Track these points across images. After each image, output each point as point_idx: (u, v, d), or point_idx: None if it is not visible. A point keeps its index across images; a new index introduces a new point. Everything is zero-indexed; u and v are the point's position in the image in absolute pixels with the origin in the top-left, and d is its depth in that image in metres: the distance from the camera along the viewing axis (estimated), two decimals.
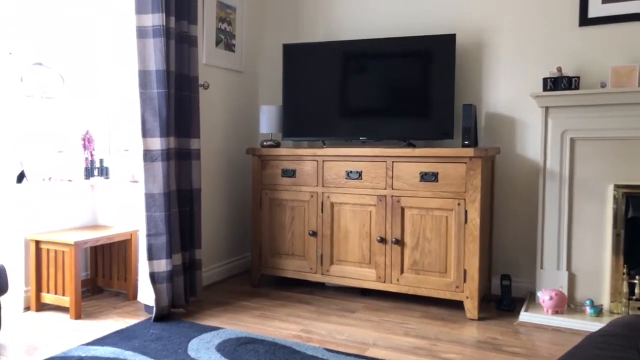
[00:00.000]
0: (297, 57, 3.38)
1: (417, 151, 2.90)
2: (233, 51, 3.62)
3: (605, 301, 2.78)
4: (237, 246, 3.74)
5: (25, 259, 2.89)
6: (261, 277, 3.37)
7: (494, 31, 3.20)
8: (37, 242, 2.86)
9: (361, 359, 2.28)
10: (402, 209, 2.95)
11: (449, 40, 3.05)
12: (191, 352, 2.33)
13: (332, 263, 3.14)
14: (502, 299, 2.97)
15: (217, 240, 3.53)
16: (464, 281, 2.81)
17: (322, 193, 3.14)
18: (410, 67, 3.15)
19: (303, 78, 3.37)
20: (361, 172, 3.04)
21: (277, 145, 3.41)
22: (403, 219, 2.95)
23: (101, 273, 3.21)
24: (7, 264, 2.82)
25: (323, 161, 3.14)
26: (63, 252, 2.79)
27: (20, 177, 3.00)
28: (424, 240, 2.91)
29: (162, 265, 2.74)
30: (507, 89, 3.19)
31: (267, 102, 3.85)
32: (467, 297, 2.81)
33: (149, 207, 2.75)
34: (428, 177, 2.88)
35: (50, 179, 3.12)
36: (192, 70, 2.96)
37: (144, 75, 2.75)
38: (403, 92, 3.17)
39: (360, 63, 3.26)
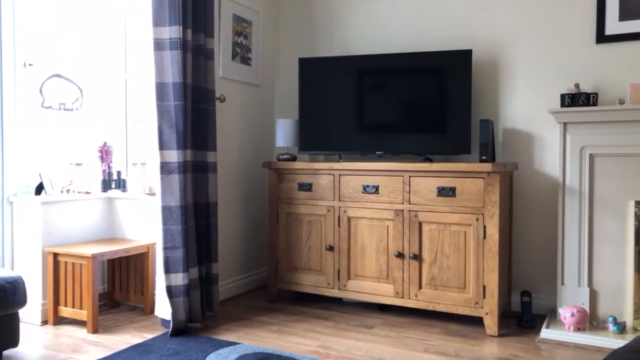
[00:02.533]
0: (313, 71, 3.39)
1: (435, 166, 2.88)
2: (249, 65, 3.64)
3: (628, 318, 2.73)
4: (253, 261, 3.72)
5: (43, 271, 2.89)
6: (278, 292, 3.35)
7: (511, 47, 3.20)
8: (55, 255, 2.86)
9: None
10: (420, 224, 2.93)
11: (465, 55, 3.05)
12: None
13: (349, 278, 3.12)
14: (523, 315, 2.93)
15: (234, 255, 3.52)
16: (484, 297, 2.77)
17: (339, 207, 3.13)
18: (426, 82, 3.15)
19: (319, 92, 3.38)
20: (378, 186, 3.03)
21: (294, 159, 3.41)
22: (421, 234, 2.93)
23: (118, 286, 3.21)
24: (25, 277, 2.82)
25: (340, 175, 3.13)
26: (81, 264, 2.79)
27: (39, 189, 3.01)
28: (442, 256, 2.88)
29: (179, 279, 2.73)
30: (524, 104, 3.18)
31: (283, 115, 3.86)
32: (487, 314, 2.77)
33: (165, 220, 2.75)
34: (446, 192, 2.86)
35: (68, 191, 3.13)
36: (209, 83, 2.98)
37: (161, 88, 2.77)
38: (419, 107, 3.16)
39: (376, 78, 3.27)
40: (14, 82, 2.94)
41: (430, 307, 2.91)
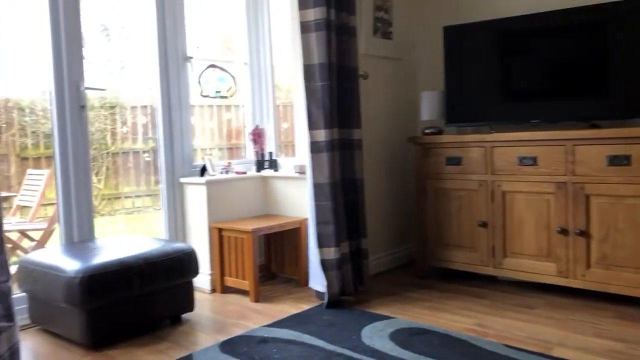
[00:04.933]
0: (459, 38, 3.23)
1: (604, 132, 2.59)
2: (390, 39, 3.58)
3: None
4: (399, 237, 3.70)
5: (210, 244, 3.16)
6: (427, 269, 3.29)
7: None
8: (220, 230, 3.11)
9: (547, 359, 2.10)
10: (587, 197, 2.66)
11: (636, 6, 2.67)
12: (365, 339, 2.35)
13: (505, 256, 2.95)
14: None
15: (380, 231, 3.53)
16: None
17: (492, 181, 2.97)
18: (587, 39, 2.82)
19: (466, 60, 3.21)
20: (536, 157, 2.81)
21: (440, 132, 3.30)
22: (588, 208, 2.66)
23: (274, 259, 3.41)
24: (196, 249, 3.11)
25: (492, 147, 2.96)
26: (242, 239, 3.00)
27: (203, 171, 3.29)
28: (615, 232, 2.59)
29: (332, 253, 2.80)
30: None
31: (426, 88, 3.75)
32: None
33: (317, 197, 2.83)
34: (618, 161, 2.56)
35: (227, 172, 3.38)
36: (352, 60, 2.98)
37: (308, 69, 2.83)
38: (578, 68, 2.85)
39: (527, 40, 3.01)
40: (177, 75, 3.23)
41: (600, 289, 2.65)
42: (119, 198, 6.55)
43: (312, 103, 2.83)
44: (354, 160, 2.99)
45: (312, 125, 2.84)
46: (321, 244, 2.82)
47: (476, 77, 3.18)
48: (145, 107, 6.69)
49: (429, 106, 3.35)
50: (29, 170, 5.06)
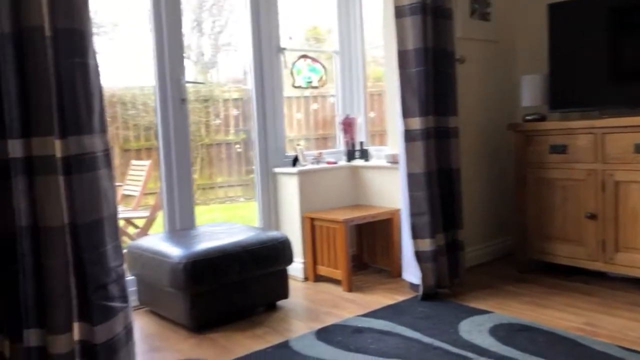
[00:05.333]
0: (565, 16, 3.01)
1: None
2: (488, 20, 3.41)
3: None
4: (496, 229, 3.55)
5: (302, 233, 3.20)
6: (528, 262, 3.13)
7: None
8: (312, 219, 3.14)
9: None
10: None
11: None
12: (463, 334, 2.27)
13: (617, 250, 2.73)
14: None
15: (477, 222, 3.40)
16: None
17: (603, 170, 2.75)
18: None
19: (573, 40, 2.99)
20: None
21: (543, 118, 3.10)
22: None
23: (366, 250, 3.39)
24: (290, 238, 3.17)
25: (603, 134, 2.74)
26: (334, 229, 3.00)
27: (295, 161, 3.33)
28: None
29: (427, 245, 2.73)
30: None
31: (526, 71, 3.54)
32: None
33: (411, 187, 2.77)
34: None
35: (318, 162, 3.39)
36: (449, 44, 2.87)
37: (403, 55, 2.77)
38: None
39: None
40: (270, 66, 3.28)
41: None
42: (212, 188, 6.85)
43: (406, 90, 2.77)
44: (450, 149, 2.89)
45: (406, 113, 2.77)
46: (415, 235, 2.76)
47: (584, 58, 2.95)
48: (236, 99, 6.92)
49: (530, 91, 3.16)
50: (133, 161, 5.41)
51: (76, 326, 1.75)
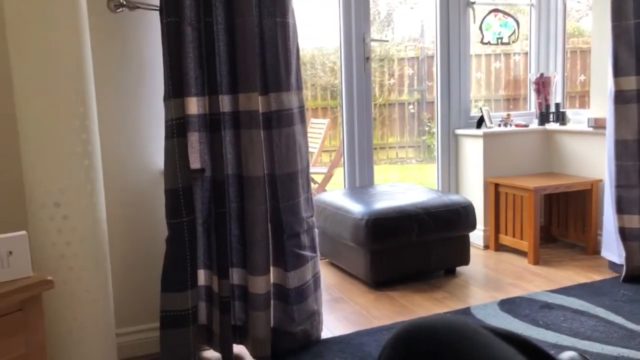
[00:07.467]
0: None
1: None
2: None
3: None
4: None
5: (484, 200, 3.04)
6: None
7: None
8: (496, 185, 2.96)
9: None
10: None
11: None
12: None
13: None
14: None
15: None
16: None
17: None
18: None
19: None
20: None
21: None
22: None
23: (556, 222, 3.11)
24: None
25: None
26: (522, 197, 2.79)
27: (480, 123, 3.15)
28: None
29: (635, 221, 2.40)
30: None
31: None
32: None
33: (619, 156, 2.44)
34: None
35: (506, 124, 3.16)
36: None
37: (618, 5, 2.40)
38: None
39: None
40: (457, 21, 3.10)
41: None
42: (384, 148, 6.88)
43: (621, 45, 2.41)
44: None
45: (618, 72, 2.43)
46: (621, 210, 2.43)
47: None
48: (412, 58, 6.76)
49: None
50: (312, 120, 5.65)
51: (272, 270, 1.89)
